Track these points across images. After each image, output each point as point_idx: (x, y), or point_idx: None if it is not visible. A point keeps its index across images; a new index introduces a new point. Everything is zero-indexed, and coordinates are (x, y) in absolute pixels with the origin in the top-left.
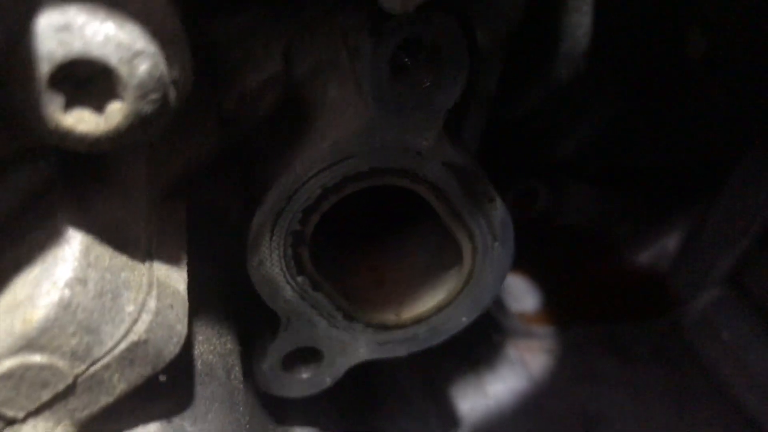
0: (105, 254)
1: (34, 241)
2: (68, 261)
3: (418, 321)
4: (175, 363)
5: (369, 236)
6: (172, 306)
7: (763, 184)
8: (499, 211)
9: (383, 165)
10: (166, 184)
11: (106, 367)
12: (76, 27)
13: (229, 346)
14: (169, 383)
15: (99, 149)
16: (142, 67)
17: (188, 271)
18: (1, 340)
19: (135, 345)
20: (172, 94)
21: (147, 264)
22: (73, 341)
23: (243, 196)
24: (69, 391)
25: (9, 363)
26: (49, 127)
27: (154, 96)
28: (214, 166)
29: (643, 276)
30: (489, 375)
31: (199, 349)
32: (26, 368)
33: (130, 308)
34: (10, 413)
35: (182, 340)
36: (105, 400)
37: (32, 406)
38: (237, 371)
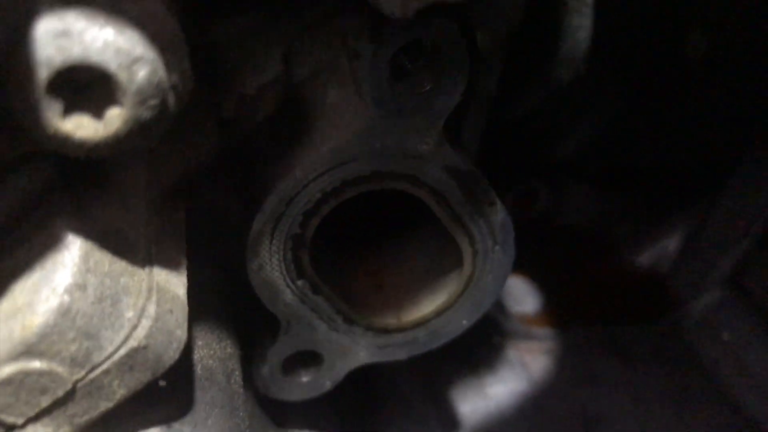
0: (104, 260)
1: (33, 247)
2: (67, 267)
3: (418, 324)
4: (174, 368)
5: (369, 240)
6: (171, 311)
7: (764, 184)
8: (499, 214)
9: (383, 168)
10: (165, 186)
11: (106, 372)
12: (75, 33)
13: (228, 350)
14: (169, 388)
15: (98, 155)
16: (141, 73)
17: (188, 274)
18: (1, 346)
19: (135, 350)
20: (172, 99)
21: (146, 269)
22: (73, 347)
23: (243, 197)
24: (68, 396)
25: (8, 369)
26: (48, 132)
27: (153, 102)
28: (214, 168)
29: (643, 277)
30: (489, 377)
31: (199, 354)
32: (26, 374)
33: (130, 314)
34: (9, 419)
35: (182, 346)
36: (104, 405)
37: (32, 412)
38: (237, 375)
